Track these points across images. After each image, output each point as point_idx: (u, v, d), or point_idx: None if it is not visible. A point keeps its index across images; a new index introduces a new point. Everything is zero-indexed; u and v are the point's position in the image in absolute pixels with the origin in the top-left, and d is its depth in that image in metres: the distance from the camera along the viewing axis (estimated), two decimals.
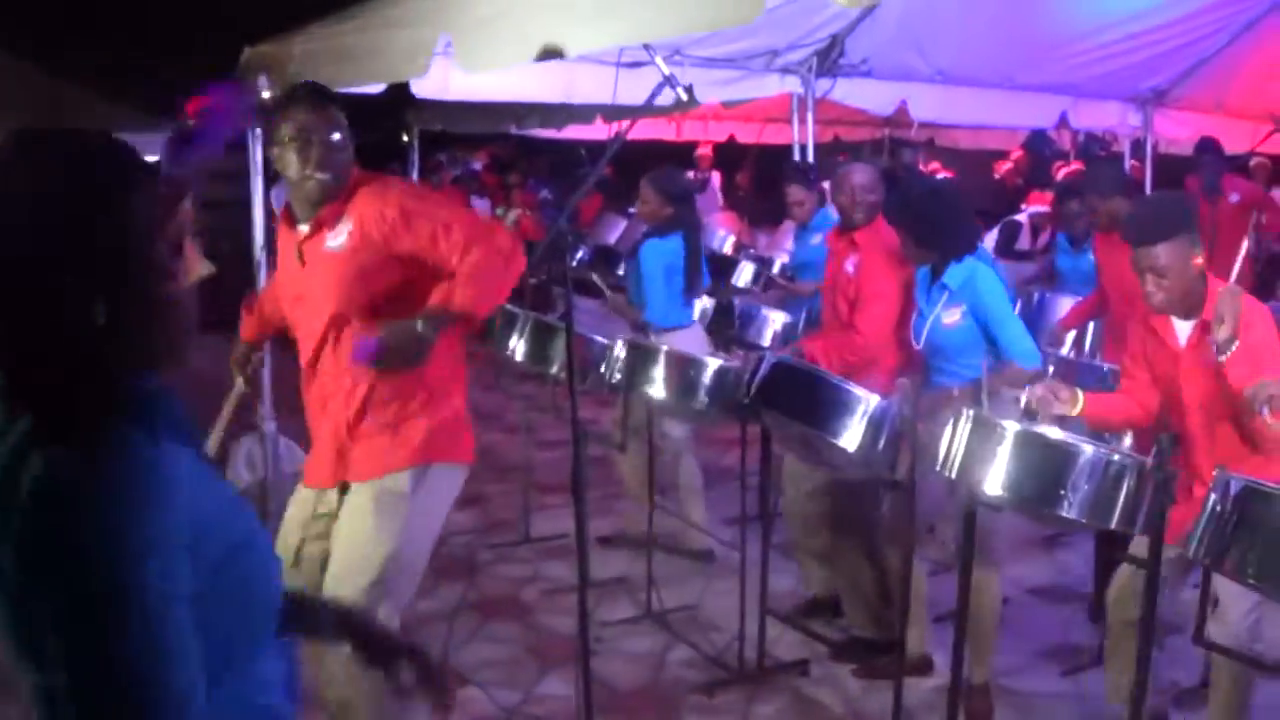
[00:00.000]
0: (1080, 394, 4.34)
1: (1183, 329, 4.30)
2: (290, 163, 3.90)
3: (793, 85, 8.26)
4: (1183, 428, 4.26)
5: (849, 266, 5.71)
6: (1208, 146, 10.25)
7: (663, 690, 5.36)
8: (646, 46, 5.63)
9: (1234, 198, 10.08)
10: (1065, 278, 7.97)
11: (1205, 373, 4.17)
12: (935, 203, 5.19)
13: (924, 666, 5.35)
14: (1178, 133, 10.56)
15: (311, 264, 4.04)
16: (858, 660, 5.51)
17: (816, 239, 7.11)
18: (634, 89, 6.22)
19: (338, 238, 3.98)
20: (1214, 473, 3.54)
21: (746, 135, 14.78)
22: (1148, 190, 10.29)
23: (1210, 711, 4.46)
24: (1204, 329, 4.17)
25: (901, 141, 14.48)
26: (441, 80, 6.43)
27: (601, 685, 5.22)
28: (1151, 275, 4.15)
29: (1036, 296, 7.74)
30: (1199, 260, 4.17)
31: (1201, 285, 4.20)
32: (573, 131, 13.51)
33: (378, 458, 4.03)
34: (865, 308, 5.59)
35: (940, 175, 14.27)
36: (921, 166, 14.67)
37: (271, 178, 7.40)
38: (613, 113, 5.93)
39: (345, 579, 3.96)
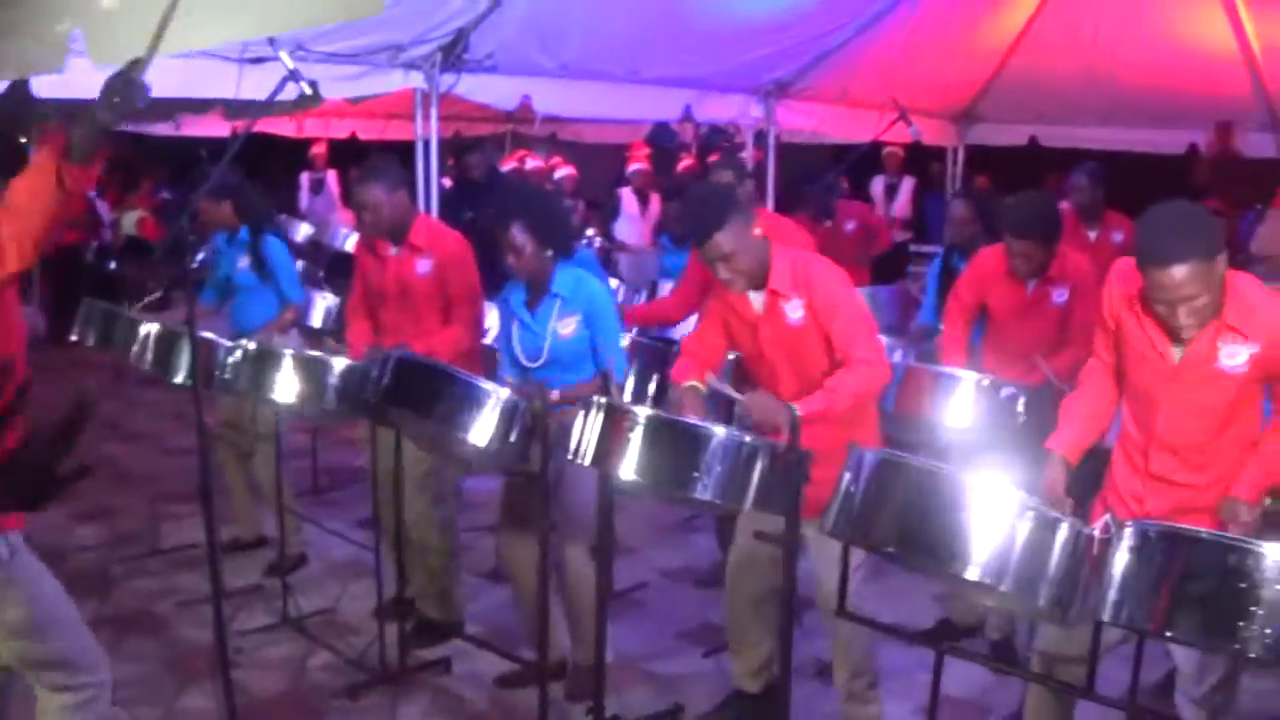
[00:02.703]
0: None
1: (756, 299, 4.44)
2: None
3: (417, 81, 8.21)
4: (772, 388, 4.44)
5: (421, 268, 5.53)
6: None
7: (305, 696, 5.27)
8: (271, 41, 5.52)
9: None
10: (671, 276, 7.91)
11: (782, 336, 4.39)
12: (554, 203, 5.20)
13: (562, 670, 5.32)
14: (801, 123, 10.96)
15: None
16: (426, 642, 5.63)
17: None
18: (257, 84, 6.08)
19: None
20: (847, 449, 3.63)
21: (369, 132, 14.61)
22: (769, 180, 10.70)
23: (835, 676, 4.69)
24: (774, 295, 4.35)
25: (524, 136, 14.47)
26: (66, 77, 6.09)
27: (244, 695, 5.11)
28: (721, 263, 4.29)
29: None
30: (757, 230, 4.34)
31: (767, 252, 4.35)
32: (192, 129, 13.13)
33: None
34: (466, 306, 5.52)
35: (562, 170, 14.40)
36: (541, 162, 14.69)
37: None
38: (234, 108, 5.74)
39: None
